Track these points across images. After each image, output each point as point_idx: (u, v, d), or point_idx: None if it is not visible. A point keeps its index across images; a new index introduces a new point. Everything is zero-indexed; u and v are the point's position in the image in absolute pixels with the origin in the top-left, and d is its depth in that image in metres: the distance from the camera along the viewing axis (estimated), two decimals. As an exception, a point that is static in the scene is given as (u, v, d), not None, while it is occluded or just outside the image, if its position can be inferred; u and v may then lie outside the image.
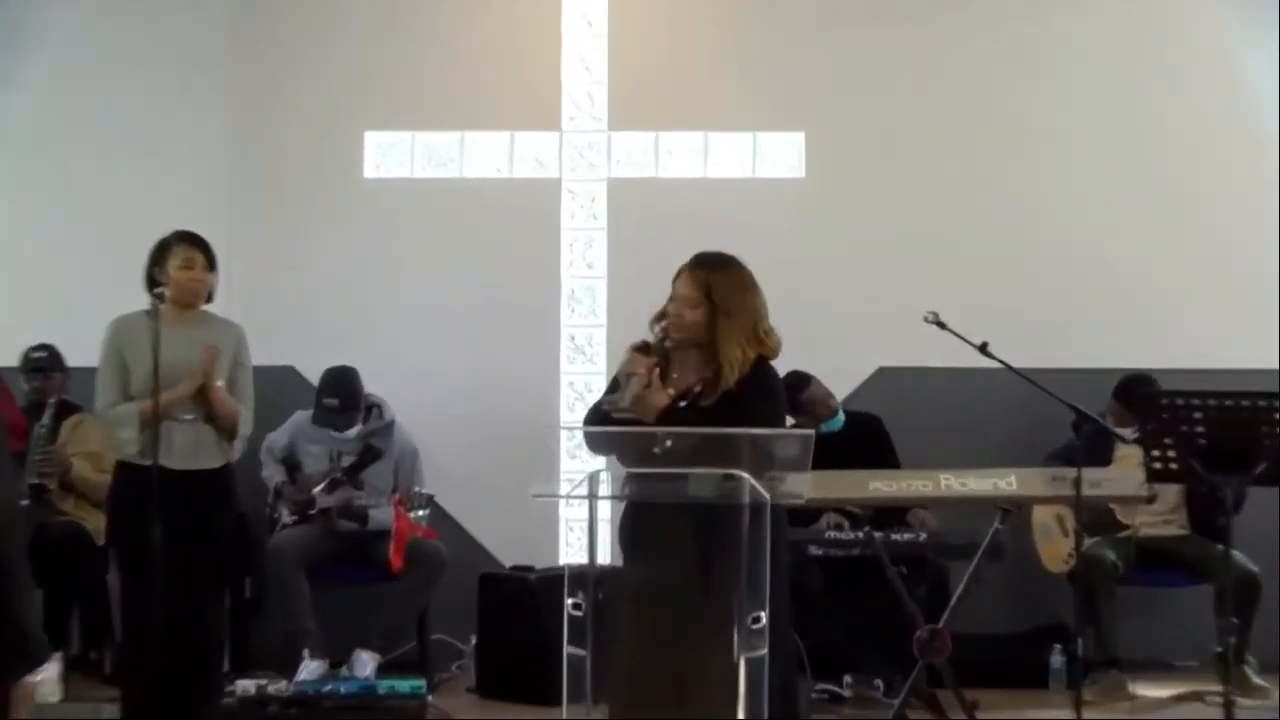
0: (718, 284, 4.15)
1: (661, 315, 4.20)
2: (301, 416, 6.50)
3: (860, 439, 6.23)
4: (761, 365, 4.17)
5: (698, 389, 4.11)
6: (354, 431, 6.39)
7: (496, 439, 6.68)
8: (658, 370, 4.09)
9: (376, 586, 6.23)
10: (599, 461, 4.04)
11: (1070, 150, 6.91)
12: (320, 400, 6.38)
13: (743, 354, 4.10)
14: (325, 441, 6.40)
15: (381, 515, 6.24)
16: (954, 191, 6.94)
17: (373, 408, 6.50)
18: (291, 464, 6.44)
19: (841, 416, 6.29)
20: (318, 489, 6.28)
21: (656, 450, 3.77)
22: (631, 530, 4.16)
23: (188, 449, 4.88)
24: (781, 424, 4.25)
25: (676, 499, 3.79)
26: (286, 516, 6.30)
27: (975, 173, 6.94)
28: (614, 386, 4.15)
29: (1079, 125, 6.89)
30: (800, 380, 6.19)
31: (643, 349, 4.11)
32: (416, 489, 6.22)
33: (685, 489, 3.76)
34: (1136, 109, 6.87)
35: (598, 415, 4.14)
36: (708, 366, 4.13)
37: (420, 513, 6.14)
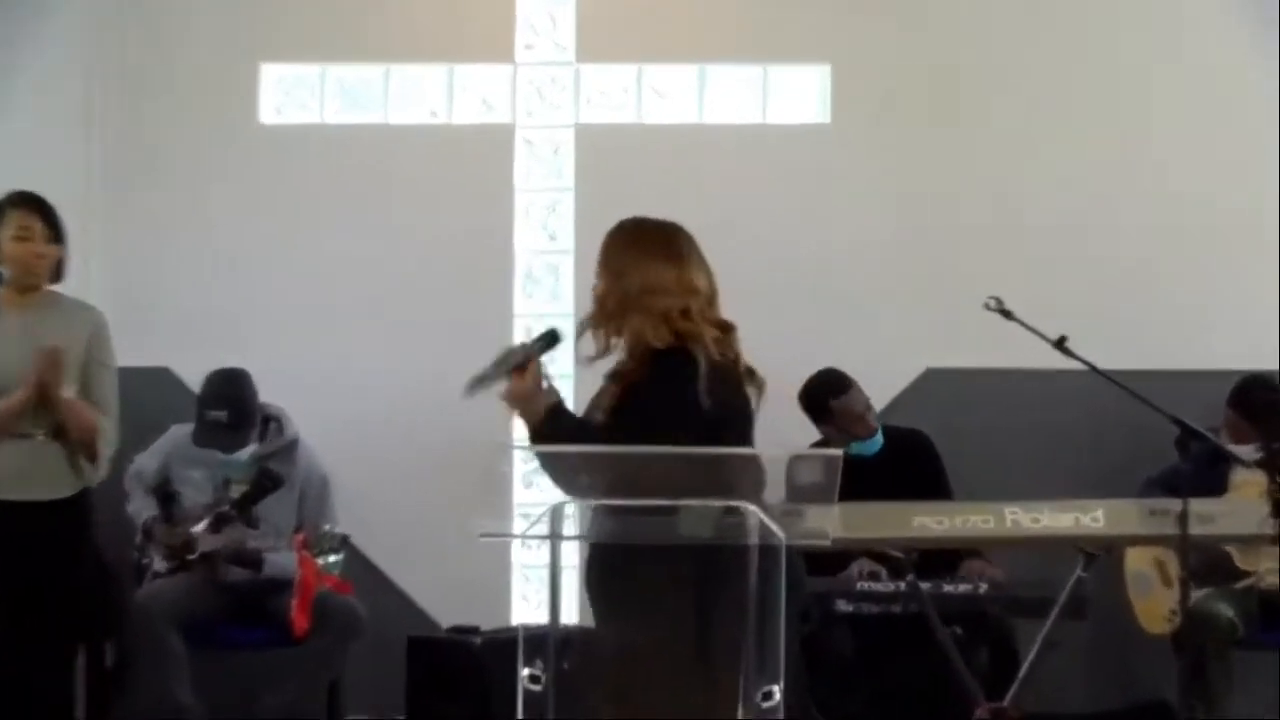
0: (606, 246, 4.28)
1: None
2: (179, 434, 6.47)
3: (903, 463, 6.21)
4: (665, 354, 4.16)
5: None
6: (246, 453, 6.37)
7: (430, 463, 6.64)
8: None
9: (274, 652, 6.20)
10: (560, 492, 4.01)
11: (1175, 92, 6.94)
12: (203, 413, 6.37)
13: (635, 335, 4.15)
14: (209, 465, 6.37)
15: (281, 561, 6.21)
16: (1020, 145, 6.93)
17: (270, 422, 6.48)
18: (166, 495, 6.39)
19: (880, 437, 6.28)
20: (199, 527, 6.23)
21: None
22: (604, 580, 4.12)
23: (18, 475, 4.85)
24: (680, 430, 4.21)
25: (663, 540, 3.77)
26: (159, 563, 6.25)
27: (1047, 121, 6.94)
28: None
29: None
30: (835, 383, 6.16)
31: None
32: (326, 527, 6.20)
33: (675, 526, 3.74)
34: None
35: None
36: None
37: (331, 558, 6.14)
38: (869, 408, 6.27)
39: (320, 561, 6.12)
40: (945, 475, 6.34)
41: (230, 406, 6.34)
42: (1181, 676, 5.74)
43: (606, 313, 4.19)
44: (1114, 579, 6.25)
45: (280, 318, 6.91)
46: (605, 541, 3.99)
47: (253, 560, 6.22)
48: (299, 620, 6.06)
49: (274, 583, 6.20)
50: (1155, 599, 6.26)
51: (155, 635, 6.07)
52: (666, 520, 3.77)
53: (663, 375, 4.09)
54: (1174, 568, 5.99)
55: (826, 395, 6.15)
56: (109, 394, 5.05)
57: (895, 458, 6.24)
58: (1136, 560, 6.31)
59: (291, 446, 6.45)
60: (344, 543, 6.17)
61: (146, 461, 6.42)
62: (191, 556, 6.22)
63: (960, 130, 6.94)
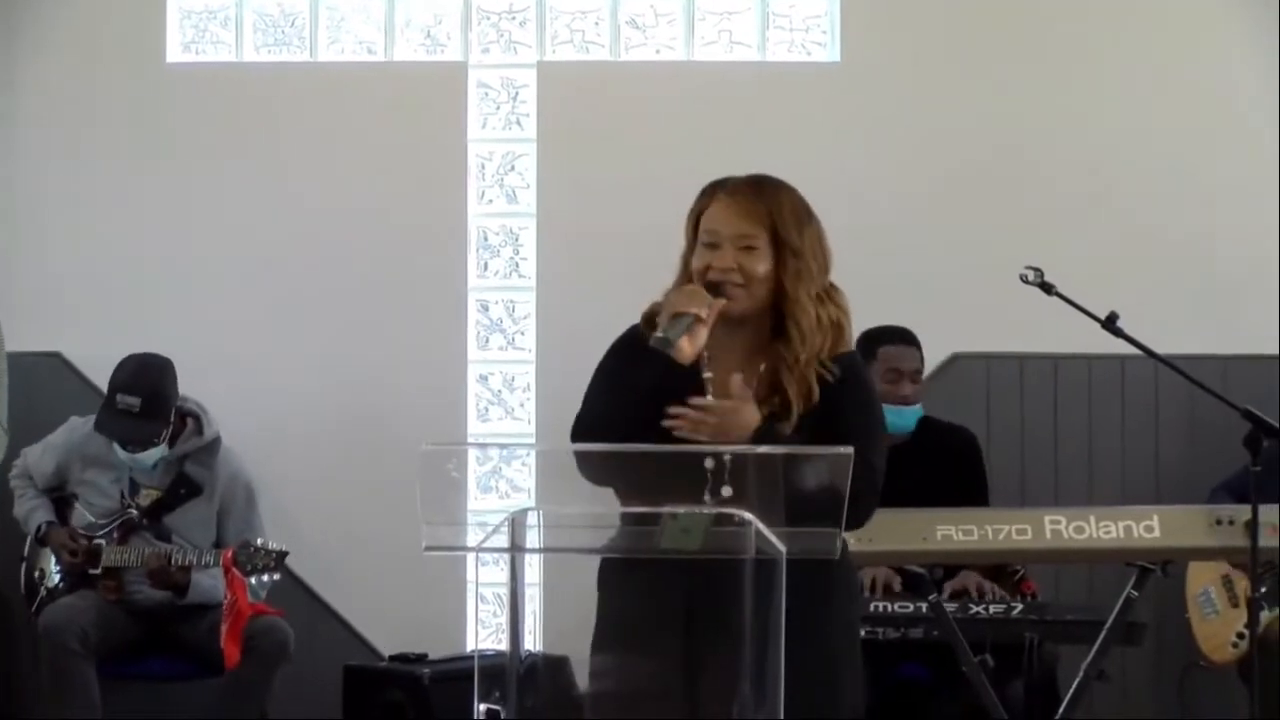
0: (785, 216, 4.12)
1: (683, 265, 4.14)
2: (79, 428, 6.47)
3: (938, 460, 6.22)
4: (850, 356, 4.13)
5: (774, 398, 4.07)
6: (157, 452, 6.37)
7: (368, 465, 6.68)
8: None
9: (188, 683, 6.25)
10: (522, 496, 4.02)
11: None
12: (112, 398, 6.33)
13: (824, 338, 4.09)
14: (114, 467, 6.38)
15: (205, 583, 6.23)
16: (1065, 93, 6.96)
17: (187, 418, 6.47)
18: (61, 499, 6.41)
19: (917, 412, 6.29)
20: (101, 536, 6.26)
21: (707, 497, 3.75)
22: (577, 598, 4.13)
23: None
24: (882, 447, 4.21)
25: (638, 553, 3.78)
26: (53, 575, 6.29)
27: (1090, 62, 6.97)
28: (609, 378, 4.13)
29: None
30: (895, 331, 6.14)
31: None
32: (260, 541, 6.17)
33: (653, 539, 3.75)
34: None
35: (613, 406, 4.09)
36: (761, 355, 4.10)
37: (265, 578, 6.12)
38: (917, 377, 6.29)
39: (251, 582, 6.10)
40: (985, 485, 6.33)
41: (144, 394, 6.30)
42: (1252, 709, 5.76)
43: (795, 291, 4.04)
44: (1172, 598, 6.28)
45: (190, 295, 6.91)
46: (574, 552, 3.98)
47: (177, 581, 6.19)
48: (229, 650, 6.01)
49: (192, 607, 6.21)
50: (1220, 622, 6.28)
51: (62, 666, 6.07)
52: (640, 531, 3.76)
53: (863, 372, 4.15)
54: (1243, 586, 6.02)
55: (882, 338, 6.19)
56: None
57: (931, 452, 6.23)
58: (1199, 577, 6.34)
59: (211, 448, 6.44)
60: (280, 561, 6.14)
61: (39, 458, 6.42)
62: (94, 571, 6.24)
63: (1002, 72, 6.96)
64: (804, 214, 4.10)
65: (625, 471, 3.84)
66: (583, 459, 3.92)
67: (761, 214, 4.04)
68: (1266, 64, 6.85)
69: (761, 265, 4.01)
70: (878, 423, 4.12)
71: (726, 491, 3.72)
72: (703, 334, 3.95)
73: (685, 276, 4.07)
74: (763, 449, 3.77)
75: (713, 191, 4.10)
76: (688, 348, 3.93)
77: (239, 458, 6.53)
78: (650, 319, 4.05)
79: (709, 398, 3.95)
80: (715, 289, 3.99)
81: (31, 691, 6.23)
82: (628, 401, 3.97)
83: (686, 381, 3.97)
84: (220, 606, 6.12)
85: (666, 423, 3.86)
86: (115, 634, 6.22)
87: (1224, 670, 6.27)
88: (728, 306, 4.00)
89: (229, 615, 6.04)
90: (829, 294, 4.12)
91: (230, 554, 6.11)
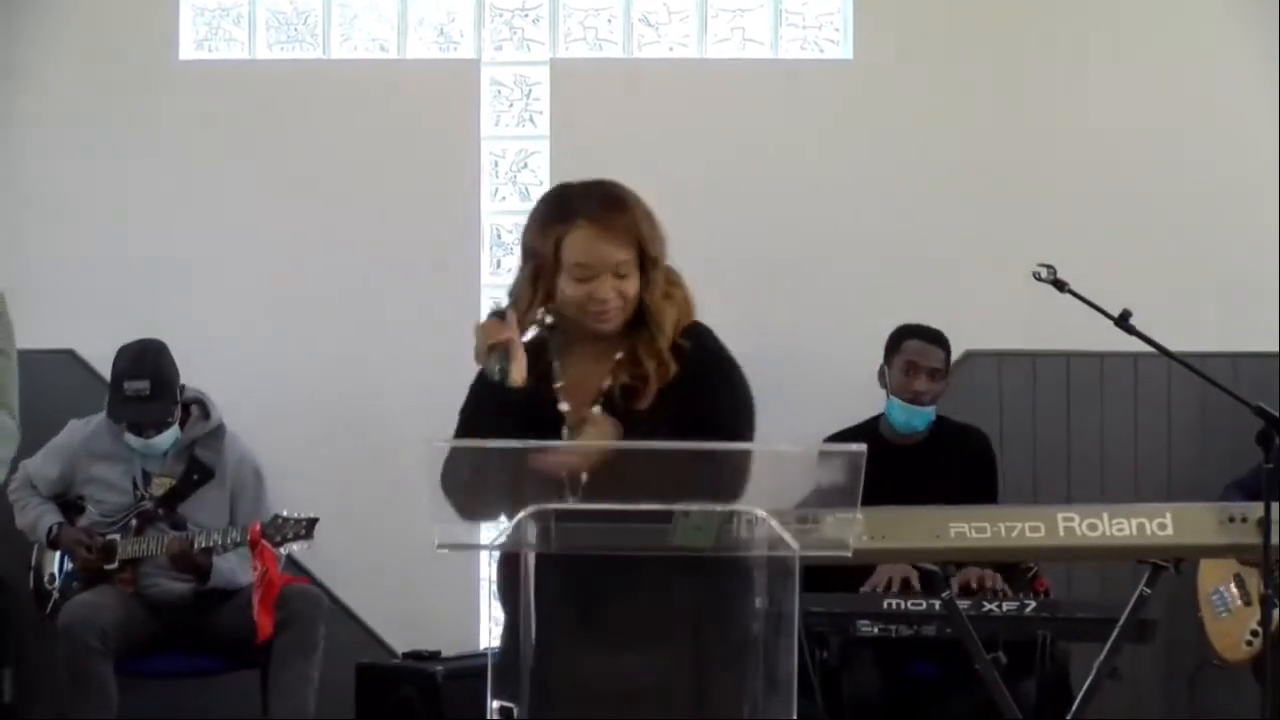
0: (645, 231, 4.08)
1: (530, 280, 4.15)
2: (80, 430, 6.50)
3: (951, 460, 6.24)
4: (696, 328, 4.15)
5: (612, 386, 4.10)
6: (167, 439, 6.39)
7: (380, 463, 6.70)
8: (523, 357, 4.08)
9: (219, 679, 6.30)
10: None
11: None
12: (120, 386, 6.36)
13: (676, 317, 4.14)
14: (123, 459, 6.40)
15: (227, 567, 6.25)
16: (1078, 90, 6.96)
17: (192, 406, 6.50)
18: (66, 505, 6.43)
19: (930, 415, 6.29)
20: (116, 530, 6.29)
21: (569, 496, 3.79)
22: (580, 596, 4.12)
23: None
24: (750, 418, 4.24)
25: (647, 550, 3.77)
26: (58, 573, 6.31)
27: (1100, 60, 6.97)
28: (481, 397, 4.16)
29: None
30: (924, 330, 6.23)
31: (500, 316, 4.11)
32: (285, 512, 6.17)
33: (664, 536, 3.75)
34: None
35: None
36: (615, 347, 4.13)
37: (297, 545, 6.14)
38: (937, 376, 6.28)
39: (281, 552, 6.11)
40: (996, 490, 6.34)
41: (151, 377, 6.34)
42: (1264, 709, 5.75)
43: (654, 291, 4.09)
44: (1183, 596, 6.29)
45: (201, 291, 6.93)
46: (587, 551, 3.98)
47: (201, 565, 6.20)
48: (262, 621, 6.06)
49: (215, 594, 6.24)
50: (1233, 620, 6.29)
51: (81, 665, 6.07)
52: (652, 528, 3.76)
53: (714, 342, 4.15)
54: (1255, 583, 6.01)
55: (909, 332, 6.22)
56: (8, 386, 5.03)
57: (944, 454, 6.26)
58: (1211, 576, 6.34)
59: (218, 432, 6.49)
60: (311, 527, 6.13)
61: (40, 465, 6.43)
62: (111, 566, 6.26)
63: (1016, 70, 6.97)
64: (651, 216, 4.12)
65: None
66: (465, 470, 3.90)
67: (630, 238, 4.06)
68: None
69: (634, 286, 4.05)
70: (736, 385, 4.12)
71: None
72: (520, 351, 4.00)
73: (531, 286, 4.08)
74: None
75: (569, 216, 4.07)
76: (517, 373, 3.98)
77: (243, 442, 6.56)
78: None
79: (568, 439, 4.01)
80: (596, 318, 4.03)
81: (40, 690, 6.22)
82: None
83: (544, 403, 4.07)
84: (240, 592, 6.19)
85: (533, 466, 3.85)
86: (135, 629, 6.24)
87: (1237, 669, 6.27)
88: (600, 329, 4.06)
89: (260, 586, 6.09)
90: (669, 279, 4.13)
91: (258, 526, 6.13)
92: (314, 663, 6.18)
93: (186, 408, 6.47)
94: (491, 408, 4.05)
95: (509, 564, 4.01)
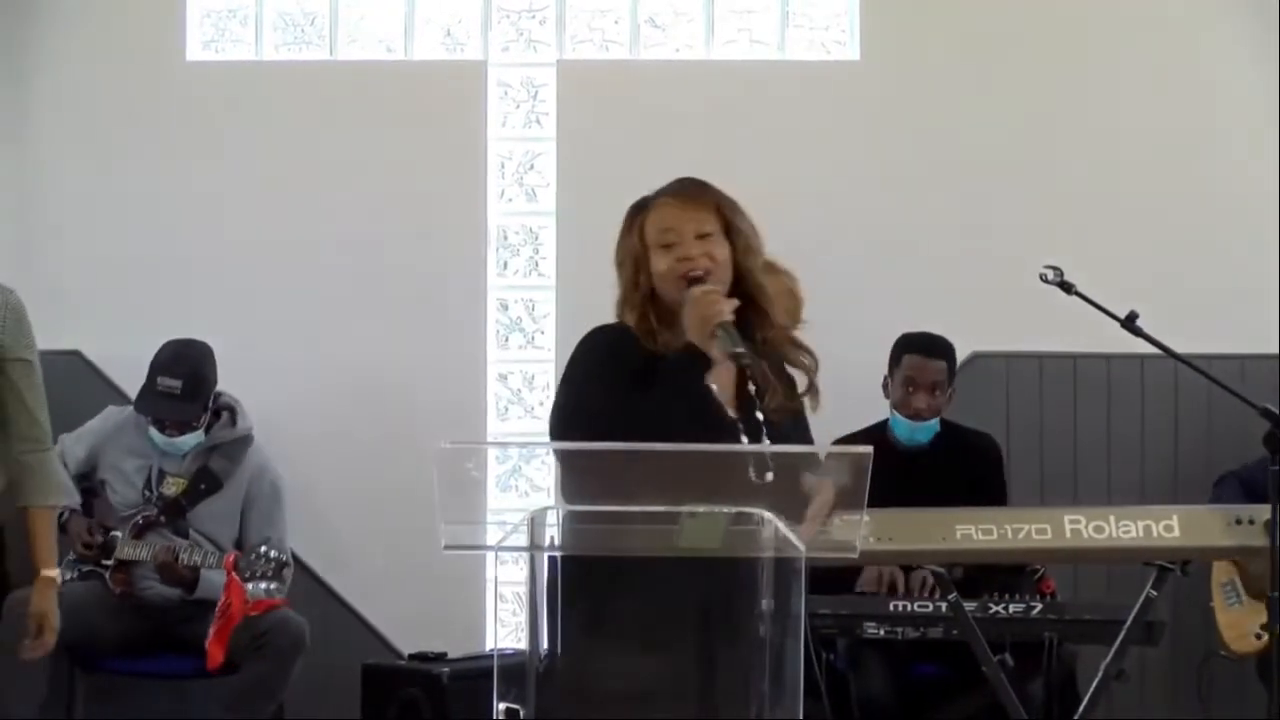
0: (726, 202, 4.15)
1: (631, 282, 4.15)
2: (114, 416, 6.52)
3: (959, 465, 6.22)
4: None
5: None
6: (191, 440, 6.40)
7: (387, 464, 6.70)
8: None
9: (199, 682, 6.25)
10: (541, 495, 4.03)
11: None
12: (154, 379, 6.36)
13: (784, 304, 4.22)
14: (144, 456, 6.40)
15: (215, 580, 6.22)
16: (1086, 91, 6.96)
17: (222, 411, 6.49)
18: (89, 489, 6.42)
19: (934, 426, 6.29)
20: (120, 530, 6.28)
21: (755, 478, 3.75)
22: (591, 597, 4.13)
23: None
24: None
25: (656, 551, 3.77)
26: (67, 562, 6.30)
27: (1112, 64, 6.97)
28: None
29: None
30: (927, 342, 6.19)
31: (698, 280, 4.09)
32: (262, 549, 6.16)
33: (671, 537, 3.75)
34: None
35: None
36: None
37: (264, 585, 6.12)
38: (937, 391, 6.26)
39: (250, 589, 6.09)
40: (1005, 496, 6.32)
41: (185, 376, 6.34)
42: (1271, 707, 5.75)
43: (761, 285, 4.16)
44: (1190, 597, 6.29)
45: (209, 293, 6.93)
46: (593, 552, 3.98)
47: (185, 578, 6.21)
48: (213, 651, 6.03)
49: (202, 604, 6.20)
50: (1243, 612, 6.26)
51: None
52: (657, 530, 3.76)
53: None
54: (1248, 580, 6.02)
55: (908, 346, 6.19)
56: (39, 404, 5.04)
57: (952, 458, 6.24)
58: (1220, 573, 6.33)
59: (242, 443, 6.47)
60: (281, 570, 6.13)
61: (73, 444, 6.44)
62: (108, 562, 6.27)
63: (1025, 70, 6.98)
64: (736, 202, 4.17)
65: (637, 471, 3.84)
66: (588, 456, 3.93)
67: (709, 204, 4.13)
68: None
69: (721, 250, 4.09)
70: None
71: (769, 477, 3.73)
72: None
73: (634, 287, 4.11)
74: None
75: (647, 202, 4.16)
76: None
77: (268, 457, 6.54)
78: (633, 324, 4.08)
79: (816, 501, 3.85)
80: (692, 282, 4.04)
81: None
82: (628, 399, 3.98)
83: (685, 380, 4.02)
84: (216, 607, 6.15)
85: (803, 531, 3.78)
86: (114, 626, 6.24)
87: (1243, 662, 6.27)
88: (694, 298, 4.05)
89: (220, 617, 6.06)
90: (771, 267, 4.23)
91: (232, 558, 6.13)
92: (276, 698, 6.18)
93: (216, 413, 6.47)
94: (622, 373, 4.04)
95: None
